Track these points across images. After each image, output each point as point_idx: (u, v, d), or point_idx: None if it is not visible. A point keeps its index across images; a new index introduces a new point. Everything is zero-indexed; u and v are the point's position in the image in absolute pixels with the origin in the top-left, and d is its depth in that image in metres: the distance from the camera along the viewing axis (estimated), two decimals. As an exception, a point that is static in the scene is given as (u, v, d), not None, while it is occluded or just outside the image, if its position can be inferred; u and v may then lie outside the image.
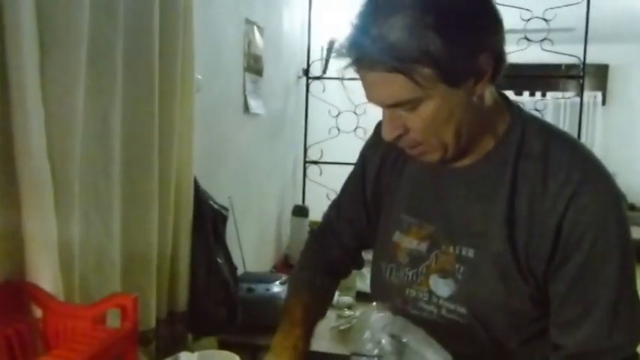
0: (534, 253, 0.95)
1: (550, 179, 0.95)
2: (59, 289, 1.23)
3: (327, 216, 1.30)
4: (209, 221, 1.83)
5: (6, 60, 1.13)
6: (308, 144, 3.51)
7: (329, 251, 1.27)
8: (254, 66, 2.79)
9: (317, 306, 1.18)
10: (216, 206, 1.89)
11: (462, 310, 1.00)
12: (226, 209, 1.99)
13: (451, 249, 1.02)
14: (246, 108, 2.72)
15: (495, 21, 0.92)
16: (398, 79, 0.88)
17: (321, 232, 1.30)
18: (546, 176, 0.95)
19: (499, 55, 0.94)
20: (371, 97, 0.95)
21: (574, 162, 0.95)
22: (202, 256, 1.79)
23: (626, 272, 0.94)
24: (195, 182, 1.85)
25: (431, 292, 1.03)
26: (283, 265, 3.21)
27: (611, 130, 6.40)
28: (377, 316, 0.91)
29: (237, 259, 2.65)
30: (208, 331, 1.87)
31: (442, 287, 1.02)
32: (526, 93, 5.88)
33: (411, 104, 0.92)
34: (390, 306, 1.02)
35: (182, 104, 1.74)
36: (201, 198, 1.84)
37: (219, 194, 2.48)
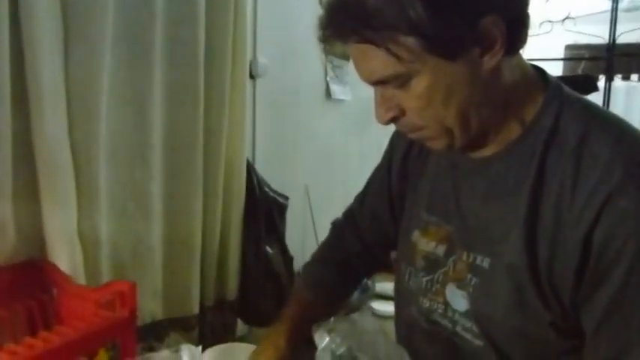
0: (560, 272, 0.77)
1: (582, 179, 0.75)
2: (78, 271, 1.25)
3: (350, 209, 1.19)
4: (262, 210, 1.78)
5: (23, 44, 1.15)
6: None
7: (347, 246, 1.16)
8: (339, 49, 2.69)
9: (319, 304, 1.09)
10: (272, 194, 1.84)
11: (477, 329, 0.85)
12: (286, 198, 1.93)
13: (465, 256, 0.86)
14: (328, 94, 2.63)
15: None
16: (377, 52, 0.74)
17: (341, 225, 1.19)
18: (578, 175, 0.75)
19: (516, 17, 0.75)
20: (358, 73, 0.82)
21: (616, 156, 0.73)
22: (251, 246, 1.75)
23: None
24: (250, 170, 1.81)
25: (447, 304, 0.89)
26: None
27: None
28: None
29: (311, 249, 2.59)
30: (259, 322, 1.82)
31: (459, 299, 0.87)
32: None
33: (399, 81, 0.76)
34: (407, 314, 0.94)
35: (233, 89, 1.70)
36: (255, 186, 1.79)
37: (293, 182, 2.45)
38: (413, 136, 0.85)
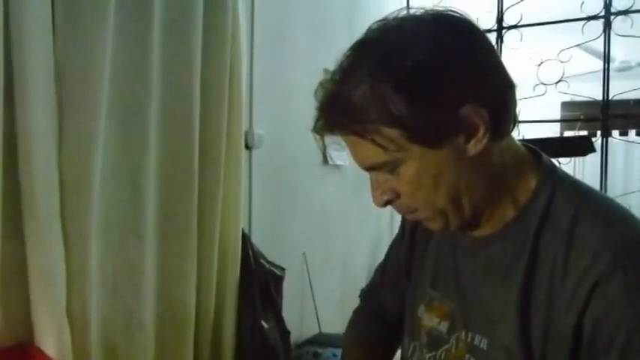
0: (554, 357, 0.76)
1: (573, 262, 0.75)
2: (66, 355, 1.21)
3: (373, 280, 1.18)
4: (257, 283, 1.74)
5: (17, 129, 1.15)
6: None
7: (376, 322, 1.15)
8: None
9: None
10: (267, 266, 1.80)
11: None
12: (282, 269, 1.89)
13: (463, 335, 0.86)
14: (326, 160, 2.64)
15: (484, 66, 0.76)
16: (365, 143, 0.77)
17: (366, 300, 1.20)
18: (569, 257, 0.75)
19: (497, 102, 0.76)
20: (353, 159, 0.84)
21: (606, 240, 0.74)
22: (247, 321, 1.70)
23: None
24: (246, 241, 1.78)
25: None
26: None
27: None
28: None
29: (310, 320, 2.55)
30: (256, 401, 1.75)
31: None
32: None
33: (388, 167, 0.79)
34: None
35: (228, 161, 1.70)
36: (250, 257, 1.76)
37: (291, 251, 2.42)
38: (410, 217, 0.87)
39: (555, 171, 0.83)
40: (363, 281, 3.16)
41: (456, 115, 0.74)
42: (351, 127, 0.76)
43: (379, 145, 0.75)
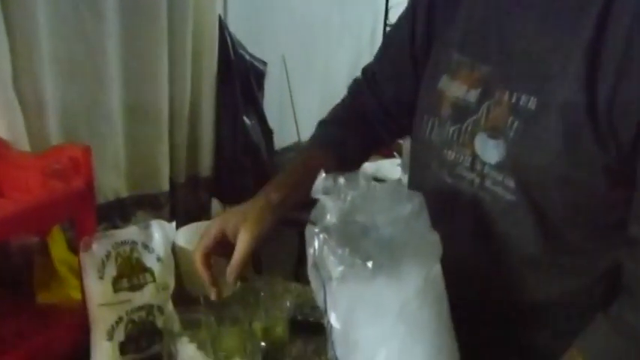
0: (624, 107, 0.68)
1: None
2: (19, 136, 1.04)
3: (367, 66, 1.04)
4: (237, 75, 1.56)
5: None
6: (390, 4, 3.07)
7: (365, 104, 1.02)
8: None
9: (329, 164, 0.92)
10: (248, 58, 1.60)
11: (511, 182, 0.76)
12: (264, 63, 1.70)
13: (506, 96, 0.76)
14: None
15: None
16: None
17: (358, 83, 1.05)
18: None
19: None
20: None
21: None
22: (227, 115, 1.54)
23: None
24: (223, 28, 1.56)
25: (475, 156, 0.80)
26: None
27: None
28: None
29: (290, 127, 2.42)
30: (236, 201, 1.65)
31: (490, 150, 0.78)
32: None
33: None
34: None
35: None
36: (229, 47, 1.55)
37: (270, 51, 2.20)
38: None
39: None
40: (342, 94, 3.02)
41: None
42: None
43: None
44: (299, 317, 1.06)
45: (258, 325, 0.95)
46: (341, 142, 0.97)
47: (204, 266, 0.82)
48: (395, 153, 2.49)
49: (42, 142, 1.10)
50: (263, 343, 0.92)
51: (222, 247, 0.82)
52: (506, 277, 0.80)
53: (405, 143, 2.44)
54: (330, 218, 0.68)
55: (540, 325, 0.81)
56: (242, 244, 0.80)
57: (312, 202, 0.76)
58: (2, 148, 0.98)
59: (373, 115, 1.01)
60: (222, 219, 0.84)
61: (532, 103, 0.74)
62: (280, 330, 0.99)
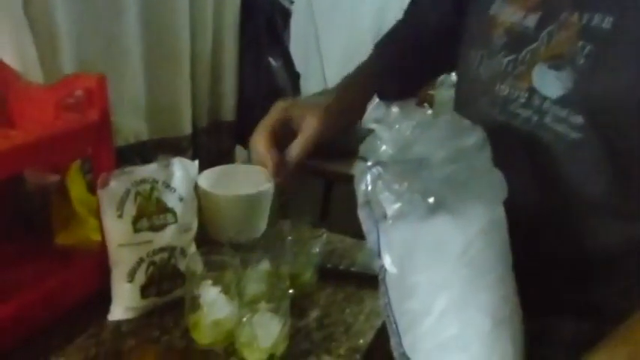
0: None
1: None
2: (32, 67, 0.98)
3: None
4: (262, 13, 1.46)
5: None
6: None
7: (420, 25, 0.97)
8: None
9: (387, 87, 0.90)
10: (274, -5, 1.51)
11: (577, 118, 0.66)
12: (291, 1, 1.60)
13: (576, 17, 0.66)
14: None
15: None
16: None
17: (410, 9, 0.99)
18: None
19: None
20: None
21: None
22: (251, 55, 1.46)
23: None
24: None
25: (532, 91, 0.70)
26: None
27: None
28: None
29: (316, 72, 2.32)
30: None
31: (552, 83, 0.68)
32: None
33: None
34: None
35: None
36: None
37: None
38: None
39: None
40: (369, 43, 2.88)
41: None
42: None
43: None
44: (328, 265, 1.01)
45: (285, 270, 0.90)
46: (402, 65, 0.94)
47: (268, 146, 0.78)
48: (425, 104, 2.38)
49: (55, 75, 1.04)
50: (291, 290, 0.86)
51: (284, 135, 0.79)
52: (572, 226, 0.70)
53: (437, 93, 2.35)
54: (386, 150, 0.60)
55: (611, 280, 0.72)
56: (309, 129, 0.77)
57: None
58: (13, 79, 0.92)
59: (429, 38, 0.95)
60: (287, 106, 0.81)
61: (607, 23, 0.64)
62: (308, 276, 0.94)
